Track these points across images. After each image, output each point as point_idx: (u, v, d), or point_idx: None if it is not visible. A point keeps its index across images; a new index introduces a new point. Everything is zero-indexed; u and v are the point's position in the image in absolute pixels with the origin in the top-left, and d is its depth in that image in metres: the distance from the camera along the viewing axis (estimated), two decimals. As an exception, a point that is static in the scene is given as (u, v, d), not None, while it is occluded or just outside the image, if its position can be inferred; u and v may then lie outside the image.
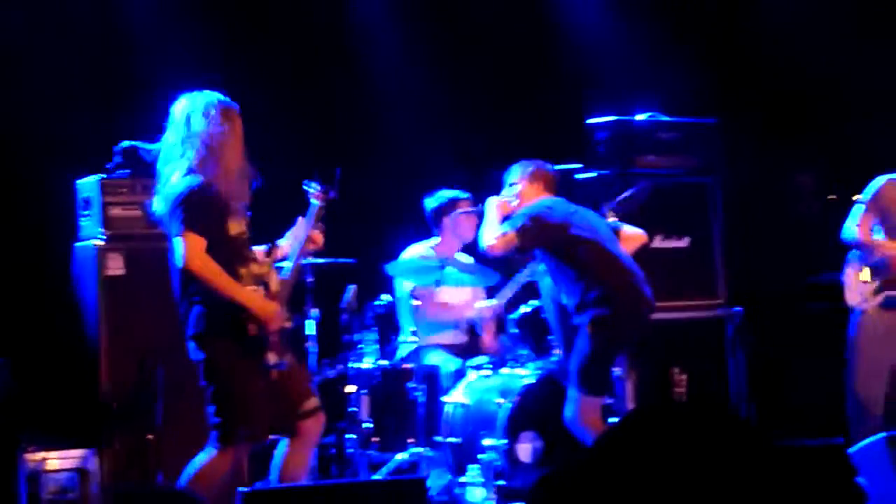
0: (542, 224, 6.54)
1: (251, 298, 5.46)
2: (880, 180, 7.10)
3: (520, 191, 6.81)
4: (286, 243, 5.81)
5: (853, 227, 7.07)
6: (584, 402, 6.39)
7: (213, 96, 5.59)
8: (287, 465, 5.65)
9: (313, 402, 5.71)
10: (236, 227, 5.54)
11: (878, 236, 7.08)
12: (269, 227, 5.85)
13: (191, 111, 5.54)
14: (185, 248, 5.34)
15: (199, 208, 5.39)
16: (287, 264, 5.73)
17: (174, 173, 5.47)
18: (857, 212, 7.09)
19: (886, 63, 8.43)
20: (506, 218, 6.66)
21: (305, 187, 5.82)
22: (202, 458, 5.53)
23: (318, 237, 5.81)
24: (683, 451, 3.69)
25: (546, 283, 7.02)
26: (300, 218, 5.80)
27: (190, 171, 5.45)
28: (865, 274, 7.04)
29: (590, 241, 6.50)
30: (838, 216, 7.28)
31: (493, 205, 6.77)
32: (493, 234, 6.58)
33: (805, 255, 8.41)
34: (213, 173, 5.45)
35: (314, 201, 5.78)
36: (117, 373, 6.71)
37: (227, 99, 5.63)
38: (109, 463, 6.63)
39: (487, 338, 7.72)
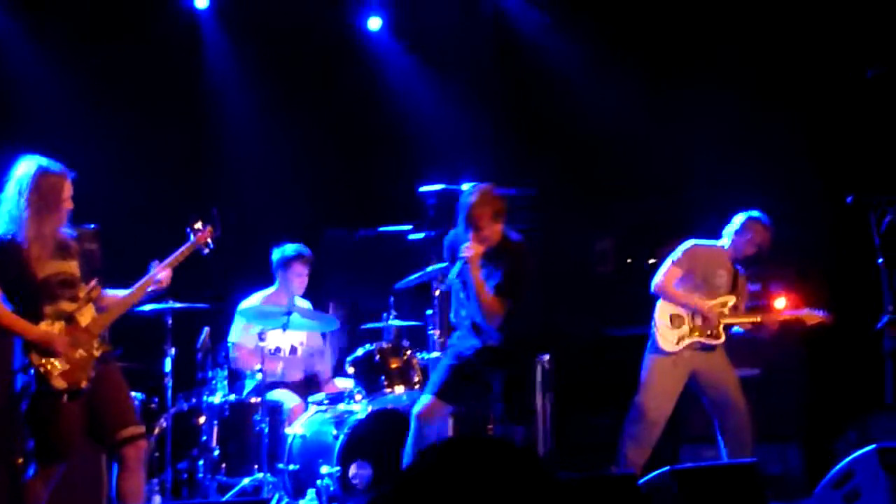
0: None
1: (27, 328, 5.71)
2: (689, 242, 7.58)
3: (490, 232, 6.77)
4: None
5: (660, 277, 7.51)
6: None
7: (35, 165, 5.85)
8: (118, 488, 5.94)
9: (131, 430, 5.91)
10: (48, 269, 5.80)
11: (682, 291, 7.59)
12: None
13: (14, 174, 5.88)
14: None
15: None
16: (119, 293, 6.05)
17: None
18: (666, 266, 7.53)
19: (676, 147, 9.21)
20: (486, 266, 6.73)
21: (189, 230, 6.28)
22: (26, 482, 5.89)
23: (166, 277, 6.13)
24: (478, 482, 4.13)
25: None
26: (155, 261, 6.15)
27: (5, 223, 5.85)
28: (667, 319, 7.46)
29: None
30: (633, 277, 7.98)
31: (474, 264, 6.70)
32: (499, 307, 6.71)
33: (604, 309, 9.05)
34: (23, 228, 5.78)
35: (193, 239, 6.24)
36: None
37: (50, 165, 5.87)
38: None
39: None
